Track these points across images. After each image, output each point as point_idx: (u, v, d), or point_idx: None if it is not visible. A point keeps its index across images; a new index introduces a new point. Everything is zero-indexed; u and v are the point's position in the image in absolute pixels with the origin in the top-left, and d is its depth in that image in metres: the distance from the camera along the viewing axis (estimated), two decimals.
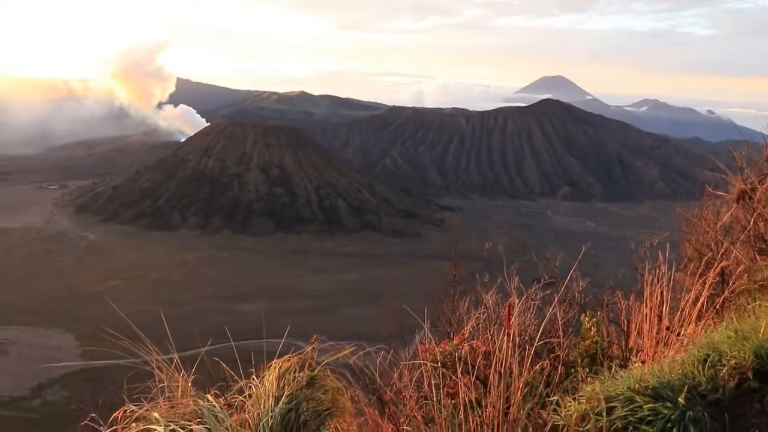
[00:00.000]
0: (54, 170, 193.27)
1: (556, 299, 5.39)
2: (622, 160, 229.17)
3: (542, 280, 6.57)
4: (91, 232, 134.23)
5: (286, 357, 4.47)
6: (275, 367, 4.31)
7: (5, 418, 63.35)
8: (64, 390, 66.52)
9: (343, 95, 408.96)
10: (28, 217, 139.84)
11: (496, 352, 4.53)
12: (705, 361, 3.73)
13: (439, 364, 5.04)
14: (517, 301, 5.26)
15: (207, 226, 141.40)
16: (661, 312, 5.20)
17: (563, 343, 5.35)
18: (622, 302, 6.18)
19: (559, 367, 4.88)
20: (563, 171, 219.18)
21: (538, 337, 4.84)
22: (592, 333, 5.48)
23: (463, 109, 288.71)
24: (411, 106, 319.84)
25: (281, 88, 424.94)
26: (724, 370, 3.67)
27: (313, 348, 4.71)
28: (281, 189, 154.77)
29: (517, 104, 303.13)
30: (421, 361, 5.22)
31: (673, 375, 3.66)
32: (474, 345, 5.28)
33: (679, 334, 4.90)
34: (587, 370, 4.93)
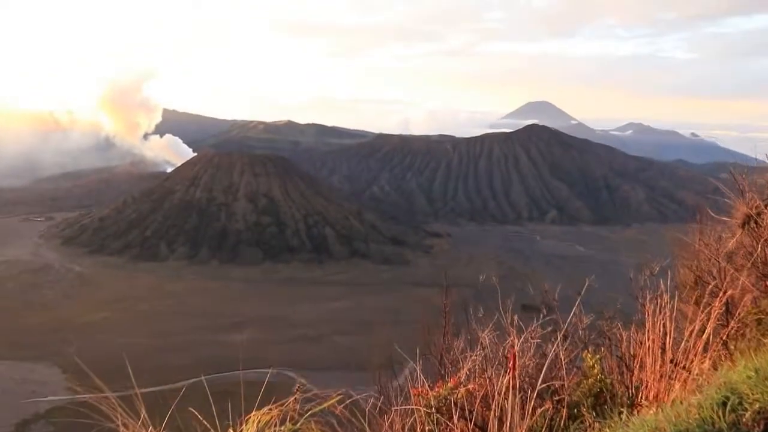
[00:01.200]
0: (40, 202, 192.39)
1: (559, 337, 5.13)
2: (608, 184, 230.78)
3: (542, 315, 6.25)
4: (78, 264, 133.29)
5: (265, 409, 4.15)
6: (253, 421, 4.00)
7: None
8: (49, 426, 65.51)
9: (330, 123, 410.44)
10: (15, 249, 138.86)
11: (495, 395, 4.29)
12: (724, 404, 3.47)
13: (434, 410, 4.75)
14: (517, 341, 5.00)
15: (195, 257, 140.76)
16: (665, 344, 4.91)
17: (567, 384, 4.98)
18: (622, 334, 5.85)
19: (563, 410, 4.60)
20: (551, 195, 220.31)
21: (540, 378, 4.56)
22: (596, 371, 5.10)
23: (449, 135, 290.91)
24: (398, 133, 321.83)
25: (268, 117, 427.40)
26: (747, 415, 3.41)
27: (295, 398, 4.40)
28: (269, 218, 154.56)
29: (503, 130, 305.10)
30: (414, 407, 4.89)
31: (690, 421, 3.42)
32: (471, 388, 4.94)
33: (684, 368, 4.68)
34: (593, 413, 4.67)
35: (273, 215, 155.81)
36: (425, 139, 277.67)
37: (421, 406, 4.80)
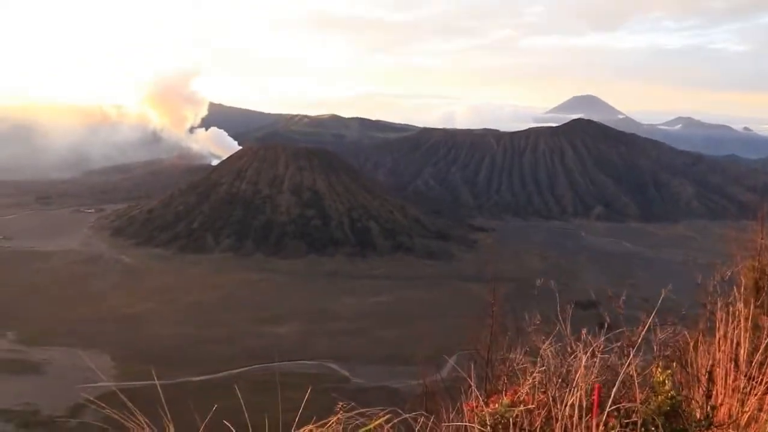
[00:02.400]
0: (91, 194, 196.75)
1: (631, 352, 4.61)
2: (656, 179, 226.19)
3: (604, 325, 5.65)
4: (126, 255, 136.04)
5: (306, 429, 3.84)
6: None
7: None
8: (99, 412, 67.05)
9: (373, 117, 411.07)
10: (66, 240, 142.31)
11: (560, 417, 3.91)
12: None
13: (489, 428, 4.32)
14: (583, 356, 4.46)
15: (240, 249, 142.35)
16: (737, 356, 4.51)
17: (638, 405, 4.38)
18: (689, 344, 5.33)
19: None
20: (596, 191, 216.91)
21: (611, 399, 4.05)
22: (666, 387, 4.52)
23: (493, 129, 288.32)
24: (441, 127, 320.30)
25: (312, 111, 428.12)
26: None
27: (338, 418, 4.06)
28: (313, 211, 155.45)
29: (549, 124, 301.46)
30: (467, 424, 4.44)
31: None
32: (531, 407, 4.46)
33: (760, 382, 4.29)
34: None
35: (317, 208, 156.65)
36: (469, 133, 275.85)
37: (475, 423, 4.39)
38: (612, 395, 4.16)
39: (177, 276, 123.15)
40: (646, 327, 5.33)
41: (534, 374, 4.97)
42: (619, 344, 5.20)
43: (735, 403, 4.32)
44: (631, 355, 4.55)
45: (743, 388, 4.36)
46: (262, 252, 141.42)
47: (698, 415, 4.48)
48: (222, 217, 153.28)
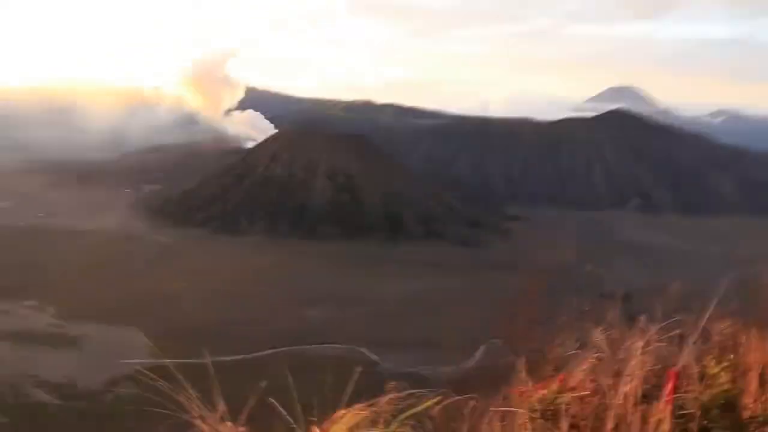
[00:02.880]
0: (128, 174, 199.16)
1: (690, 342, 4.41)
2: (695, 172, 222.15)
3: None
4: (162, 234, 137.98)
5: (354, 409, 3.78)
6: (342, 422, 3.64)
7: (82, 411, 65.84)
8: (134, 387, 68.48)
9: (408, 104, 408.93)
10: (105, 219, 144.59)
11: (612, 406, 3.77)
12: None
13: (538, 414, 4.16)
14: (639, 344, 4.29)
15: (274, 231, 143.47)
16: None
17: (696, 395, 4.21)
18: (743, 336, 5.00)
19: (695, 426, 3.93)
20: (633, 182, 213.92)
21: (667, 389, 3.93)
22: (721, 380, 4.32)
23: (530, 118, 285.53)
24: (478, 114, 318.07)
25: (347, 96, 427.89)
26: None
27: (389, 399, 3.95)
28: (347, 196, 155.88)
29: (586, 114, 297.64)
30: (516, 409, 4.27)
31: None
32: (582, 395, 4.26)
33: None
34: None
35: (351, 193, 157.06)
36: (505, 122, 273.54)
37: (525, 408, 4.24)
38: (670, 386, 4.02)
39: (211, 257, 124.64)
40: (705, 318, 5.16)
41: (586, 361, 4.78)
42: (673, 333, 4.94)
43: None
44: (689, 346, 4.37)
45: None
46: (296, 235, 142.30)
47: (753, 410, 4.26)
48: (256, 200, 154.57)
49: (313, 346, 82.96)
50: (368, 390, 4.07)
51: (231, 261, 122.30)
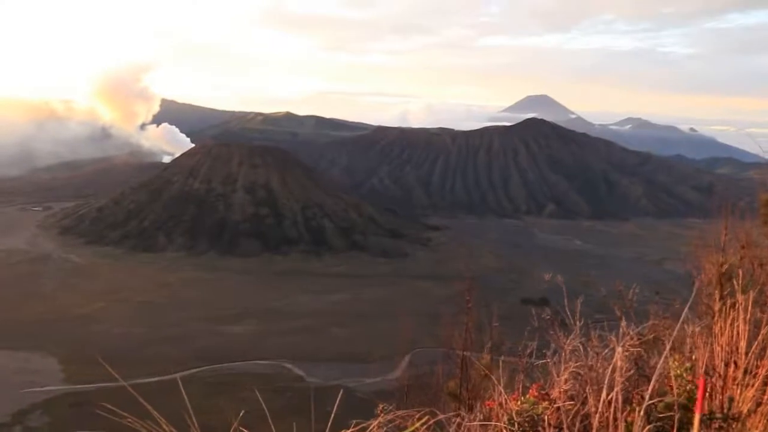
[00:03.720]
0: (38, 192, 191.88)
1: (667, 346, 4.26)
2: (607, 178, 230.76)
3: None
4: (75, 254, 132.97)
5: None
6: None
7: None
8: (46, 415, 65.33)
9: (328, 116, 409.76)
10: (12, 239, 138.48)
11: (595, 415, 3.72)
12: None
13: (517, 427, 4.10)
14: (619, 350, 4.21)
15: (193, 248, 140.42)
16: (737, 348, 4.38)
17: (676, 398, 4.10)
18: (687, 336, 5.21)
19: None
20: (549, 189, 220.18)
21: (648, 395, 3.82)
22: (684, 381, 4.33)
23: (448, 128, 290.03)
24: (397, 126, 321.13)
25: (266, 109, 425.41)
26: None
27: (379, 423, 3.95)
28: (267, 209, 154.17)
29: (503, 123, 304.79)
30: (495, 423, 4.24)
31: None
32: (561, 404, 4.19)
33: (755, 375, 4.20)
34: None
35: (271, 207, 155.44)
36: (424, 132, 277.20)
37: (503, 422, 4.18)
38: (650, 390, 3.90)
39: (128, 275, 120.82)
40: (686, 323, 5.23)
41: (566, 369, 4.74)
42: (643, 338, 5.09)
43: (737, 396, 4.25)
44: (667, 350, 4.24)
45: (740, 382, 4.31)
46: (216, 251, 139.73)
47: (714, 408, 4.31)
48: (174, 216, 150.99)
49: (237, 363, 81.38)
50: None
51: (148, 279, 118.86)
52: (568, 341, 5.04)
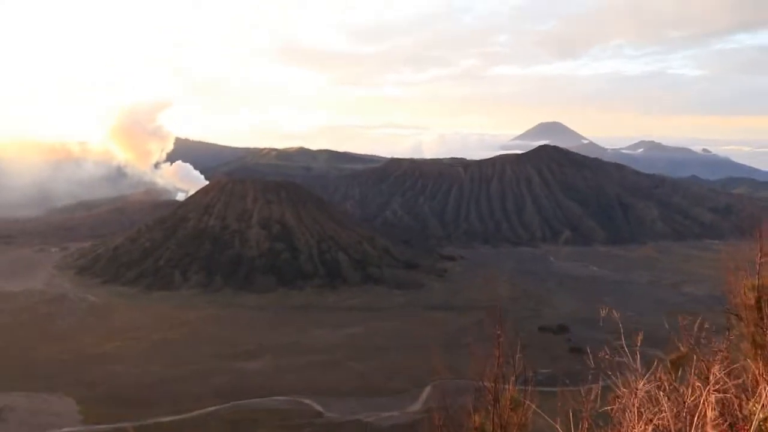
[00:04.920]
0: (55, 232, 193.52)
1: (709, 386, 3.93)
2: (621, 202, 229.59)
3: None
4: (92, 293, 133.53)
5: None
6: None
7: None
8: None
9: (341, 149, 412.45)
10: (30, 280, 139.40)
11: None
12: None
13: None
14: (641, 383, 3.94)
15: (209, 285, 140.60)
16: None
17: None
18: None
19: None
20: (563, 216, 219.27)
21: None
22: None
23: (461, 158, 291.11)
24: (409, 157, 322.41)
25: (280, 144, 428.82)
26: None
27: None
28: (282, 244, 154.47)
29: (515, 151, 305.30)
30: None
31: None
32: None
33: None
34: None
35: (286, 241, 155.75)
36: (437, 163, 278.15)
37: None
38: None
39: (144, 314, 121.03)
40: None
41: (642, 420, 4.23)
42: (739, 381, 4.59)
43: None
44: (709, 387, 3.93)
45: None
46: (231, 287, 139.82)
47: None
48: (190, 253, 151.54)
49: (255, 399, 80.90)
50: None
51: (164, 317, 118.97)
52: (641, 384, 4.48)
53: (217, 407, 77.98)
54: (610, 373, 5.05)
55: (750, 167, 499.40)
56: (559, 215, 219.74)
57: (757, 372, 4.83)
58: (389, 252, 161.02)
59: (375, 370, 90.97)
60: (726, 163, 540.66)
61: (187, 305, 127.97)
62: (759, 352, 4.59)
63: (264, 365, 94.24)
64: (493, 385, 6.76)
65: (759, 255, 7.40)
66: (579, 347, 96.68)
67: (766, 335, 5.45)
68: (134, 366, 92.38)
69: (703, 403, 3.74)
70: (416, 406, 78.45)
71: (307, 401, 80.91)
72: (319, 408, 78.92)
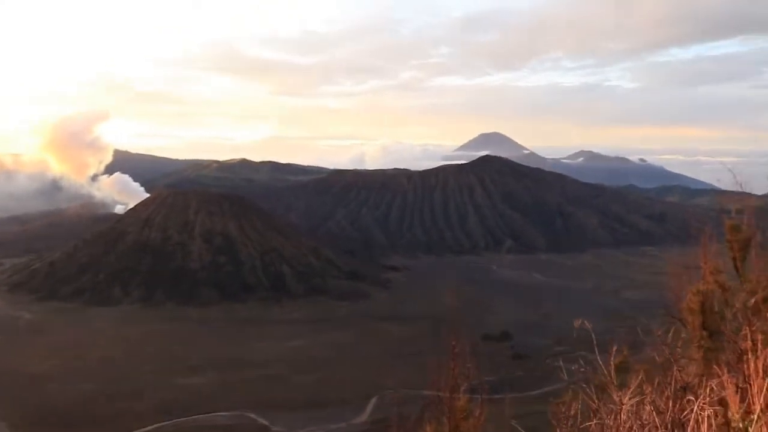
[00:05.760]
0: None
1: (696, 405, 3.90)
2: (562, 211, 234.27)
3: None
4: (27, 311, 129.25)
5: None
6: None
7: None
8: None
9: (284, 160, 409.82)
10: None
11: None
12: None
13: None
14: (626, 400, 3.81)
15: (150, 299, 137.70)
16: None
17: None
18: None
19: None
20: (506, 225, 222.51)
21: None
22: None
23: (404, 169, 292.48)
24: (353, 168, 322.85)
25: (222, 156, 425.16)
26: None
27: None
28: (225, 257, 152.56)
29: (457, 162, 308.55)
30: None
31: None
32: None
33: None
34: None
35: (229, 254, 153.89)
36: (380, 173, 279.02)
37: None
38: None
39: (83, 331, 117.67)
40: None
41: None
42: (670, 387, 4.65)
43: None
44: (697, 401, 3.93)
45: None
46: (174, 301, 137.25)
47: None
48: (130, 267, 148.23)
49: (200, 416, 79.52)
50: None
51: (104, 333, 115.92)
52: (627, 400, 4.29)
53: (160, 425, 76.34)
54: (584, 385, 5.09)
55: (683, 176, 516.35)
56: (501, 224, 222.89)
57: (701, 375, 5.02)
58: (333, 263, 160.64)
59: (321, 383, 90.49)
60: (661, 172, 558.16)
61: (128, 320, 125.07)
62: (704, 355, 4.80)
63: (208, 380, 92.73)
64: (448, 395, 6.87)
65: (704, 260, 7.67)
66: (521, 354, 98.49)
67: (710, 339, 5.69)
68: (72, 385, 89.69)
69: (695, 420, 3.81)
70: (362, 418, 78.34)
71: (252, 416, 79.94)
72: (264, 422, 78.07)
